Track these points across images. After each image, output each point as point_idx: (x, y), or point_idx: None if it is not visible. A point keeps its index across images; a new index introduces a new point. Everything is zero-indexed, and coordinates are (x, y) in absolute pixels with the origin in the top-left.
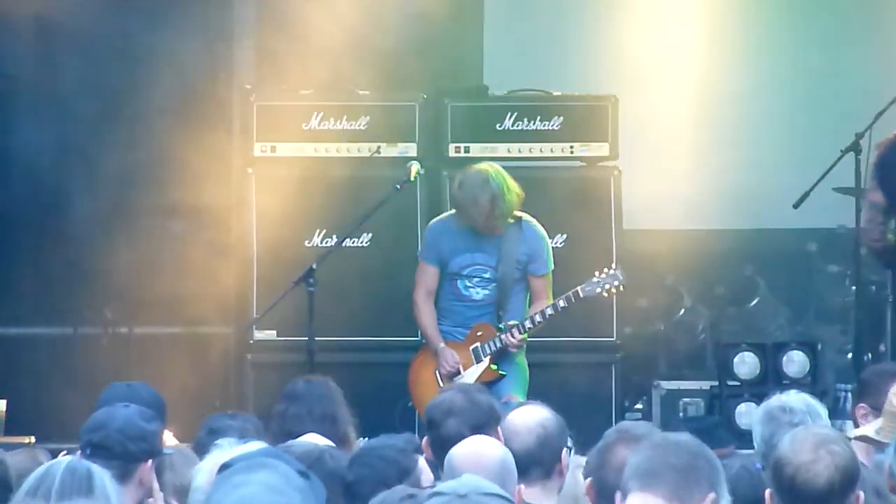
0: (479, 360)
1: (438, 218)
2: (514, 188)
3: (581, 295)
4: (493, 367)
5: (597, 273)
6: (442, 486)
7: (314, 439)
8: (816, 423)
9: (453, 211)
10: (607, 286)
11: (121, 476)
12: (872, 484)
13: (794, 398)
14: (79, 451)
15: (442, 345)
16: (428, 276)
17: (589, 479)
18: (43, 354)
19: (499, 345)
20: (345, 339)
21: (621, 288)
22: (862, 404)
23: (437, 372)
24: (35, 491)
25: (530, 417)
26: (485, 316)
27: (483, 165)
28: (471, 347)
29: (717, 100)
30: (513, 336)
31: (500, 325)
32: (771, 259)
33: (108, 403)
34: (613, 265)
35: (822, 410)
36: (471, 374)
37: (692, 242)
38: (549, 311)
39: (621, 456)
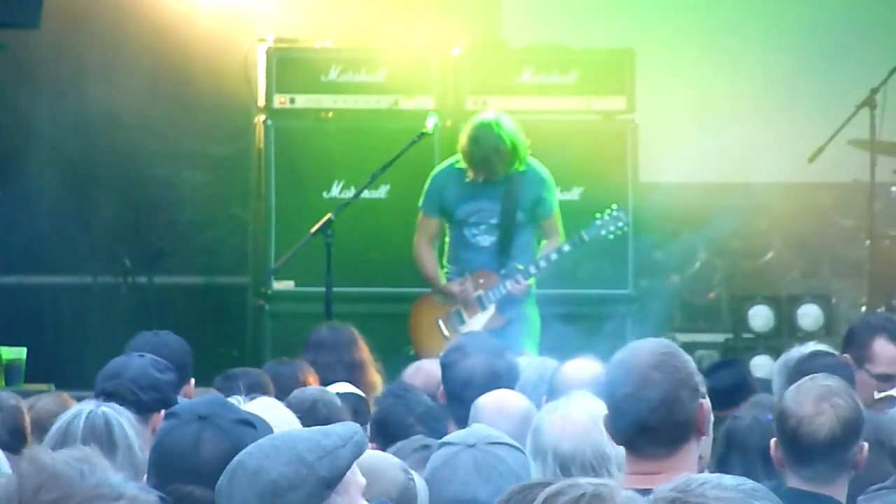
0: (483, 308)
1: (440, 167)
2: (519, 130)
3: (585, 238)
4: (498, 314)
5: (598, 215)
6: (451, 437)
7: (343, 388)
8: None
9: (454, 159)
10: (612, 228)
11: None
12: (875, 435)
13: (813, 350)
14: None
15: (444, 282)
16: (429, 226)
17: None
18: (62, 303)
19: (503, 292)
20: (362, 290)
21: (625, 229)
22: (846, 354)
23: (438, 320)
24: (62, 445)
25: (588, 372)
26: (492, 262)
27: (487, 117)
28: (474, 295)
29: (734, 54)
30: (517, 282)
31: (503, 272)
32: (786, 213)
33: (135, 351)
34: (615, 206)
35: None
36: (476, 322)
37: (708, 195)
38: (554, 256)
39: None
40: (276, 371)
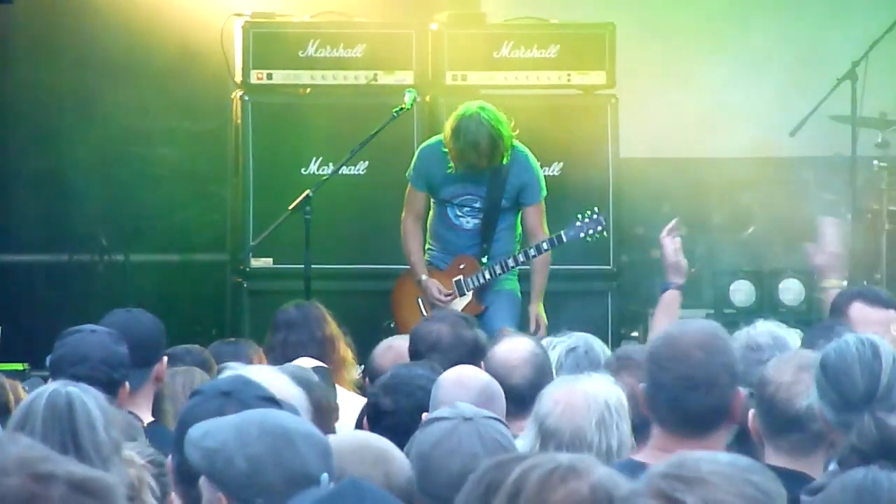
0: (462, 294)
1: (429, 142)
2: (505, 122)
3: (564, 240)
4: (476, 301)
5: (579, 217)
6: (441, 412)
7: (306, 363)
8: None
9: (441, 137)
10: (590, 231)
11: None
12: None
13: (762, 333)
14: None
15: (424, 277)
16: (416, 200)
17: None
18: (38, 281)
19: (482, 280)
20: (341, 267)
21: (604, 234)
22: None
23: (419, 299)
24: (23, 425)
25: (522, 348)
26: (474, 246)
27: (472, 108)
28: (454, 279)
29: (714, 28)
30: (494, 274)
31: (483, 260)
32: (767, 187)
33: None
34: (596, 209)
35: (792, 338)
36: (454, 308)
37: (689, 170)
38: (532, 252)
39: (624, 384)
40: (219, 350)
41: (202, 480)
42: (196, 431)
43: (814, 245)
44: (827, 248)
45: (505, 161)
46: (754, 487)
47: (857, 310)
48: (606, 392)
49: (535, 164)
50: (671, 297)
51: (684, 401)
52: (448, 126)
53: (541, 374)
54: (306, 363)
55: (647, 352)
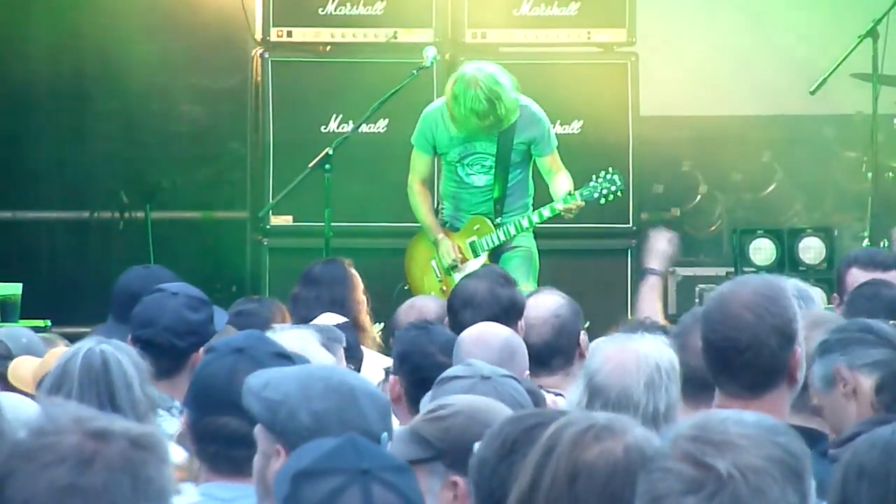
0: (476, 255)
1: (433, 106)
2: (503, 82)
3: (579, 200)
4: (490, 262)
5: (594, 177)
6: (454, 370)
7: (329, 319)
8: (808, 308)
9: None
10: (604, 191)
11: (171, 369)
12: None
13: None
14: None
15: (441, 235)
16: (421, 163)
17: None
18: (59, 238)
19: (496, 241)
20: (360, 225)
21: (619, 195)
22: (834, 294)
23: (432, 260)
24: (59, 386)
25: (544, 307)
26: (486, 202)
27: (471, 72)
28: (468, 241)
29: None
30: (508, 235)
31: (497, 221)
32: (787, 145)
33: (125, 286)
34: (611, 168)
35: (816, 295)
36: (469, 268)
37: (709, 128)
38: (547, 214)
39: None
40: (244, 308)
41: (258, 429)
42: (256, 380)
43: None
44: None
45: (510, 122)
46: (782, 449)
47: (853, 276)
48: (659, 353)
49: (540, 114)
50: (655, 281)
51: (734, 363)
52: (447, 90)
53: (559, 336)
54: (331, 319)
55: (701, 312)
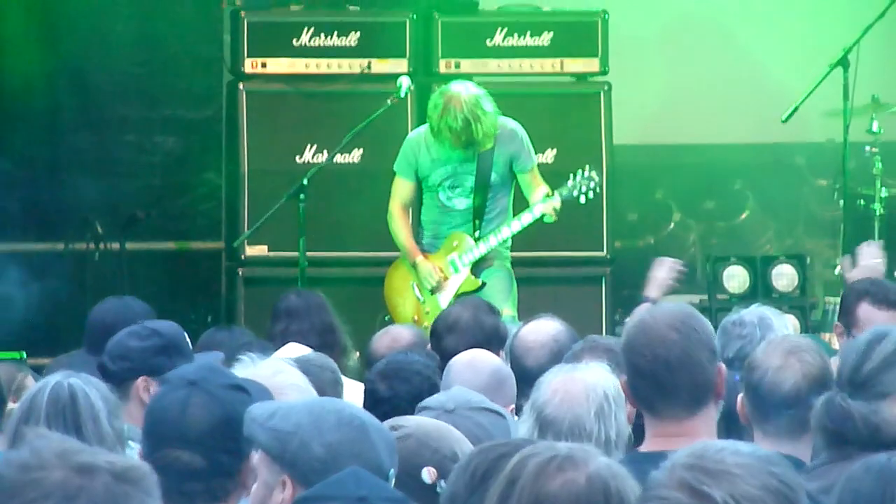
0: (456, 271)
1: (416, 131)
2: (485, 107)
3: (558, 200)
4: (472, 276)
5: (571, 175)
6: (429, 401)
7: (297, 350)
8: (766, 335)
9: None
10: (583, 188)
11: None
12: None
13: (751, 312)
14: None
15: (419, 258)
16: (403, 188)
17: None
18: (34, 270)
19: (476, 255)
20: (336, 255)
21: (598, 190)
22: (837, 322)
23: (413, 284)
24: (26, 420)
25: (543, 332)
26: (467, 224)
27: (453, 90)
28: (448, 258)
29: (707, 14)
30: (488, 245)
31: (476, 235)
32: (760, 173)
33: (99, 318)
34: (588, 166)
35: (780, 322)
36: (451, 285)
37: (681, 157)
38: (528, 219)
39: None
40: (214, 337)
41: (259, 458)
42: (260, 410)
43: (849, 258)
44: (861, 261)
45: (489, 145)
46: (777, 479)
47: (865, 311)
48: (605, 382)
49: (519, 130)
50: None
51: (667, 383)
52: (431, 102)
53: (556, 361)
54: (297, 351)
55: (622, 342)
